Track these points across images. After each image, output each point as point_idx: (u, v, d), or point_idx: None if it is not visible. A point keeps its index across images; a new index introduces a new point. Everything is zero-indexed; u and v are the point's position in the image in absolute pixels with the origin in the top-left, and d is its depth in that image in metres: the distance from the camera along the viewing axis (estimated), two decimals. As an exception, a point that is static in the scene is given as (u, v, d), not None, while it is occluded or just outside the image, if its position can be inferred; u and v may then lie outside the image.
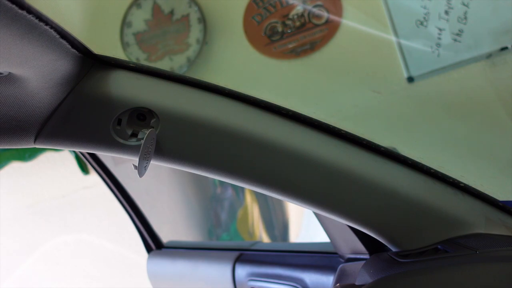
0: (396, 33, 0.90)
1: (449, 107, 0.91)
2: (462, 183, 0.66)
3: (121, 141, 0.59)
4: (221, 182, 2.91)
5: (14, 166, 1.97)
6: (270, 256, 1.34)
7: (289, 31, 0.90)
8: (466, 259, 0.57)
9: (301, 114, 0.63)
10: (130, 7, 1.11)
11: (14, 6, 0.44)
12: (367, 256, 0.97)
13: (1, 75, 0.52)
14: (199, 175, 0.64)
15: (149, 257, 1.61)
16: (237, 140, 0.60)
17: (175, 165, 0.63)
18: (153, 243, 1.64)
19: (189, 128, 0.60)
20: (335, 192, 0.62)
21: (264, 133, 0.61)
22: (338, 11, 0.90)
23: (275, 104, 0.63)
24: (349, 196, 0.62)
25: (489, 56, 0.87)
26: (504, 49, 0.86)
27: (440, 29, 0.87)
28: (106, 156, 1.47)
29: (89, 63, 0.59)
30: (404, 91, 0.91)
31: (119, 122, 0.59)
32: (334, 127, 0.63)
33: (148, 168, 0.63)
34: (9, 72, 0.52)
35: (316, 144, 0.62)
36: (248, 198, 3.09)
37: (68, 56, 0.55)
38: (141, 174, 0.60)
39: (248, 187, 0.64)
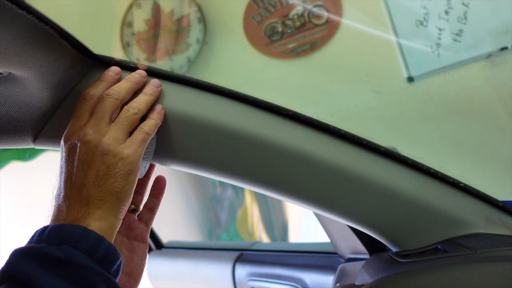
0: (396, 33, 0.90)
1: (449, 107, 0.91)
2: (462, 183, 0.66)
3: (121, 141, 0.59)
4: (221, 182, 2.91)
5: (14, 166, 1.97)
6: (270, 256, 1.34)
7: (289, 31, 0.90)
8: (466, 259, 0.57)
9: (301, 114, 0.63)
10: (130, 7, 1.11)
11: (14, 6, 0.44)
12: (367, 256, 0.97)
13: (1, 75, 0.52)
14: (199, 175, 0.64)
15: (149, 257, 1.61)
16: (237, 140, 0.60)
17: (175, 165, 0.63)
18: (153, 243, 1.64)
19: (189, 128, 0.60)
20: (335, 192, 0.62)
21: (264, 133, 0.61)
22: (338, 11, 0.90)
23: (275, 104, 0.62)
24: (349, 196, 0.62)
25: (489, 56, 0.87)
26: (504, 49, 0.86)
27: (440, 29, 0.87)
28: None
29: (89, 63, 0.59)
30: (404, 91, 0.91)
31: (119, 122, 0.59)
32: (334, 127, 0.63)
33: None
34: (9, 72, 0.52)
35: (316, 144, 0.62)
36: (248, 198, 3.08)
37: (68, 56, 0.55)
38: (141, 174, 0.60)
39: (248, 187, 0.64)
